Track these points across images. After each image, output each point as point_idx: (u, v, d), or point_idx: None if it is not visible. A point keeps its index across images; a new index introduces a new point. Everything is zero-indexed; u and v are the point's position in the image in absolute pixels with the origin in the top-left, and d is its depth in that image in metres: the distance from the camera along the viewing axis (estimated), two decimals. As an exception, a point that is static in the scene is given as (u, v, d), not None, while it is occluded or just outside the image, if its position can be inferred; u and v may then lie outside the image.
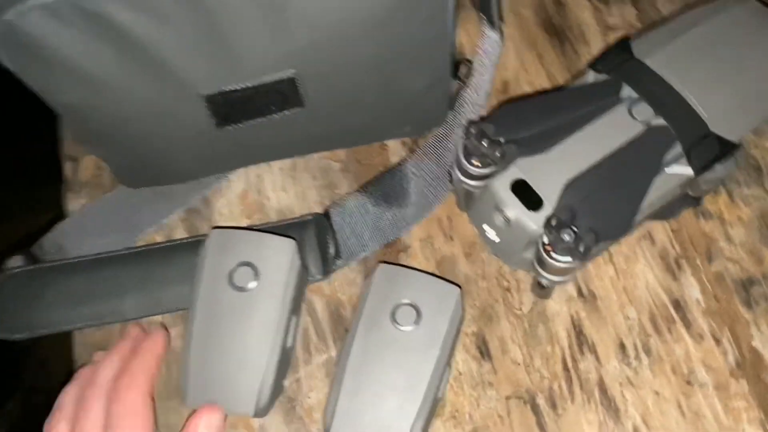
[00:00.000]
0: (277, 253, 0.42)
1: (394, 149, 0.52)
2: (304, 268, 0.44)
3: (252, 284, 0.41)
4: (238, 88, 0.38)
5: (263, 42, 0.36)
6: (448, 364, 0.42)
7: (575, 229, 0.37)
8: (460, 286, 0.43)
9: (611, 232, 0.38)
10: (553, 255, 0.38)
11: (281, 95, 0.39)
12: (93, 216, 0.50)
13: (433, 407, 0.41)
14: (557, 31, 0.55)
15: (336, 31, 0.36)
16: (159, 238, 0.50)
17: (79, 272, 0.47)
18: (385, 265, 0.44)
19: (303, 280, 0.44)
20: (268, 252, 0.42)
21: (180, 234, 0.50)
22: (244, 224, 0.49)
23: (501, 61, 0.53)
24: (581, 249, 0.37)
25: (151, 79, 0.36)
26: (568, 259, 0.38)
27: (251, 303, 0.41)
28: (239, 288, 0.41)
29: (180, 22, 0.34)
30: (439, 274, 0.46)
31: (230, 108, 0.39)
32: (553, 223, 0.38)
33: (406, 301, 0.42)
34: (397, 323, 0.41)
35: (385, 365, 0.40)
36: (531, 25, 0.55)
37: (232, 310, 0.41)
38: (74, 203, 0.51)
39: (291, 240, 0.43)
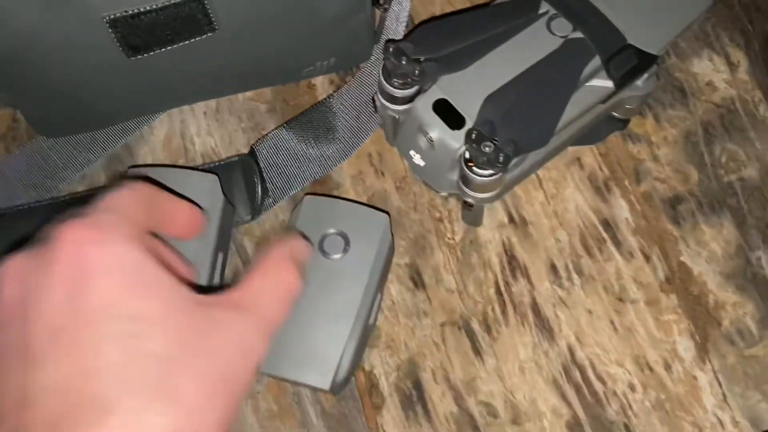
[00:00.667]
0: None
1: (322, 88, 0.51)
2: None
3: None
4: (144, 9, 0.36)
5: (164, -43, 0.35)
6: (379, 291, 0.42)
7: (495, 141, 0.37)
8: (388, 213, 0.42)
9: (531, 142, 0.38)
10: (475, 169, 0.38)
11: (191, 19, 0.38)
12: (10, 170, 0.48)
13: (365, 334, 0.40)
14: (482, -35, 0.54)
15: (242, -54, 0.35)
16: (81, 188, 0.48)
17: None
18: (311, 196, 0.43)
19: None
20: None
21: (102, 182, 0.48)
22: (168, 168, 0.48)
23: (427, -4, 0.53)
24: (501, 159, 0.37)
25: (49, 5, 0.35)
26: (490, 171, 0.38)
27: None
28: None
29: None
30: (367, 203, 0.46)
31: (138, 34, 0.38)
32: (473, 136, 0.37)
33: (333, 230, 0.41)
34: (326, 252, 0.40)
35: (315, 294, 0.39)
36: (456, -40, 0.54)
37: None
38: (-11, 157, 0.49)
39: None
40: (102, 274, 0.25)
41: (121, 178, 0.37)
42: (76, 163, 0.48)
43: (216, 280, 0.42)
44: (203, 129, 0.49)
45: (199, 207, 0.37)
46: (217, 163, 0.48)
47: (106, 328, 0.24)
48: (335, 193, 0.48)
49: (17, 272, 0.26)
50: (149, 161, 0.49)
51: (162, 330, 0.24)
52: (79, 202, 0.46)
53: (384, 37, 0.47)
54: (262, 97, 0.50)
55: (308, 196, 0.43)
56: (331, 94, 0.49)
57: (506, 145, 0.37)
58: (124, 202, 0.28)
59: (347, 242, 0.41)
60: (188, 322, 0.25)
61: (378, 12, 0.47)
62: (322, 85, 0.51)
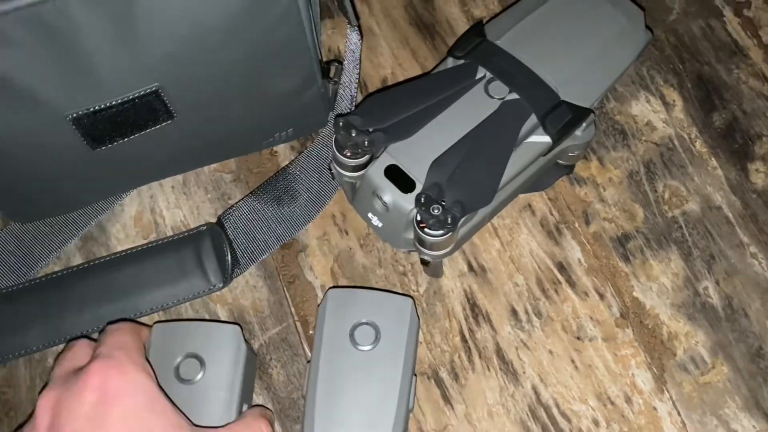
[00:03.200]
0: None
1: (284, 154, 0.53)
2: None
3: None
4: (104, 106, 0.39)
5: (120, 58, 0.37)
6: (413, 374, 0.43)
7: (443, 203, 0.40)
8: (412, 297, 0.44)
9: (476, 201, 0.41)
10: (427, 230, 0.40)
11: (150, 109, 0.40)
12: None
13: (406, 419, 0.41)
14: (428, 27, 0.58)
15: (191, 41, 0.38)
16: (57, 268, 0.50)
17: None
18: (334, 289, 0.44)
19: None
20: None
21: (77, 261, 0.50)
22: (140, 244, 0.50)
23: (378, 59, 0.56)
24: (450, 221, 0.39)
25: (13, 107, 0.37)
26: (441, 232, 0.40)
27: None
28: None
29: (27, 45, 0.34)
30: (337, 275, 0.48)
31: (100, 128, 0.40)
32: (422, 200, 0.40)
33: (362, 320, 0.42)
34: (358, 344, 0.42)
35: (353, 388, 0.41)
36: (403, 24, 0.58)
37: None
38: (-33, 245, 0.51)
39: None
40: (125, 395, 0.35)
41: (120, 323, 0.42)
42: (51, 245, 0.50)
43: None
44: (172, 202, 0.52)
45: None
46: (185, 233, 0.50)
47: None
48: (302, 255, 0.50)
49: (50, 402, 0.35)
50: (122, 238, 0.51)
51: None
52: (55, 283, 0.48)
53: (339, 104, 0.50)
54: (227, 168, 0.53)
55: (331, 290, 0.44)
56: (292, 161, 0.51)
57: (453, 206, 0.40)
58: (126, 339, 0.38)
59: (377, 332, 0.42)
60: None
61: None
62: (284, 151, 0.53)
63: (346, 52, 0.48)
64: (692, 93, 0.55)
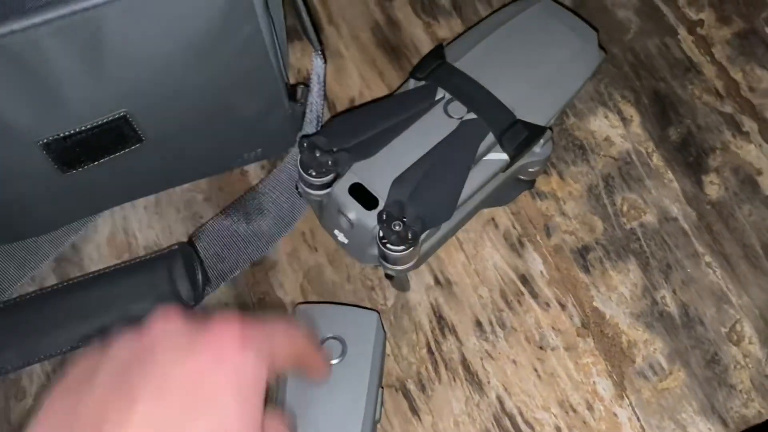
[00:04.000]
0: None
1: (255, 173, 0.55)
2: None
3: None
4: (73, 132, 0.40)
5: (88, 85, 0.38)
6: (380, 386, 0.44)
7: (404, 219, 0.41)
8: (377, 311, 0.46)
9: (436, 217, 0.42)
10: (389, 246, 0.42)
11: (118, 134, 0.42)
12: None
13: (373, 430, 0.43)
14: (394, 48, 0.59)
15: (157, 67, 0.39)
16: (31, 289, 0.50)
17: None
18: (303, 305, 0.46)
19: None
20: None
21: (51, 282, 0.51)
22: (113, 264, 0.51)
23: (346, 81, 0.58)
24: (410, 236, 0.41)
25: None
26: (402, 247, 0.41)
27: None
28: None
29: (-1, 75, 0.36)
30: (307, 291, 0.49)
31: (70, 153, 0.41)
32: (384, 217, 0.41)
33: (328, 335, 0.44)
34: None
35: (321, 401, 0.42)
36: (370, 46, 0.59)
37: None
38: (-59, 268, 0.51)
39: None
40: (229, 382, 0.27)
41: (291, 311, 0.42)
42: (24, 266, 0.51)
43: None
44: (144, 223, 0.53)
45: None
46: (157, 253, 0.51)
47: (198, 419, 0.26)
48: (272, 272, 0.51)
49: (170, 325, 0.28)
50: (95, 258, 0.52)
51: None
52: (28, 304, 0.49)
53: (305, 125, 0.52)
54: (198, 187, 0.54)
55: (300, 305, 0.45)
56: (262, 180, 0.53)
57: (414, 222, 0.41)
58: (279, 337, 0.31)
59: (344, 346, 0.43)
60: None
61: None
62: (254, 171, 0.55)
63: (311, 74, 0.50)
64: (649, 108, 0.57)
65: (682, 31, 0.60)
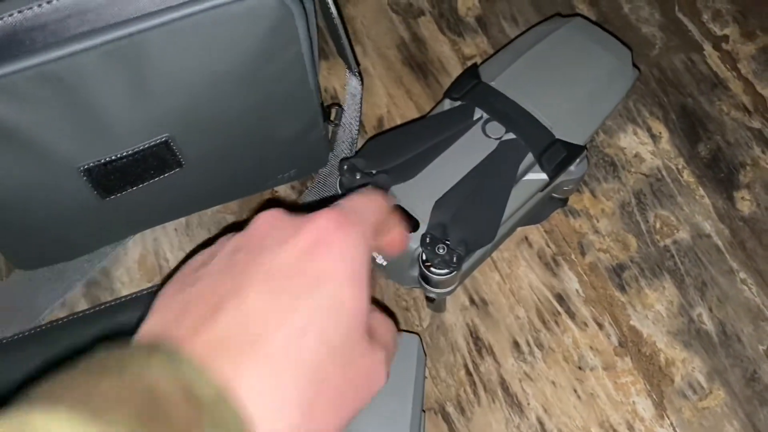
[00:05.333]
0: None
1: (285, 194, 0.54)
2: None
3: None
4: (114, 157, 0.40)
5: (131, 110, 0.38)
6: (422, 409, 0.44)
7: (448, 242, 0.41)
8: (418, 334, 0.45)
9: (480, 240, 0.42)
10: (432, 269, 0.41)
11: (159, 159, 0.41)
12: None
13: None
14: (420, 66, 0.59)
15: (201, 91, 0.39)
16: (62, 314, 0.50)
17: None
18: None
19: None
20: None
21: (82, 307, 0.50)
22: (145, 288, 0.50)
23: (373, 99, 0.57)
24: (455, 260, 0.40)
25: (23, 160, 0.38)
26: (446, 270, 0.41)
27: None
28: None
29: (41, 101, 0.35)
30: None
31: (110, 178, 0.41)
32: (428, 240, 0.41)
33: None
34: None
35: (363, 427, 0.40)
36: (396, 64, 0.59)
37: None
38: (-30, 293, 0.51)
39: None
40: (335, 258, 0.27)
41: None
42: (56, 291, 0.50)
43: None
44: (175, 245, 0.52)
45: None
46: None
47: (309, 298, 0.26)
48: (306, 293, 0.51)
49: (274, 219, 0.28)
50: (126, 282, 0.51)
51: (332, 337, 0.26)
52: (60, 330, 0.48)
53: (338, 145, 0.51)
54: (229, 209, 0.53)
55: None
56: (295, 201, 0.52)
57: (458, 245, 0.41)
58: (367, 208, 0.30)
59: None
60: (351, 354, 0.27)
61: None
62: (284, 191, 0.54)
63: (346, 95, 0.49)
64: (677, 125, 0.57)
65: (708, 47, 0.60)
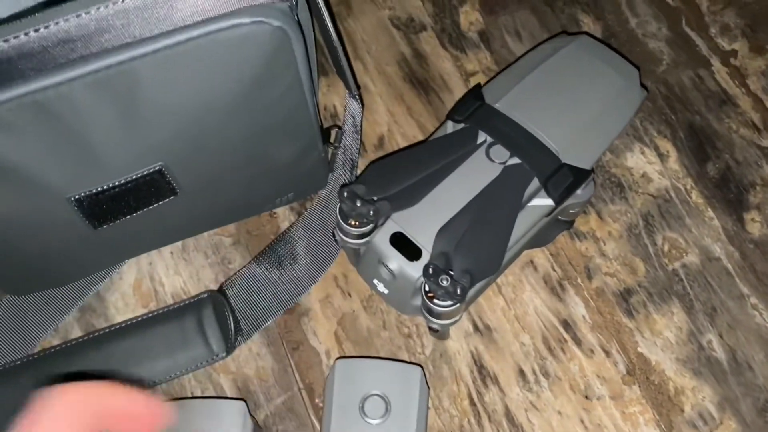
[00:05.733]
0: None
1: (284, 215, 0.53)
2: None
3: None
4: (106, 187, 0.38)
5: (123, 140, 0.37)
6: None
7: (451, 273, 0.40)
8: (420, 366, 0.44)
9: (484, 270, 0.41)
10: (436, 301, 0.40)
11: (153, 187, 0.40)
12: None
13: None
14: (421, 83, 0.58)
15: (195, 120, 0.38)
16: (55, 342, 0.49)
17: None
18: (343, 359, 0.44)
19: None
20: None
21: (76, 334, 0.49)
22: (140, 314, 0.49)
23: (373, 117, 0.56)
24: (459, 292, 0.39)
25: (11, 190, 0.36)
26: (450, 303, 0.40)
27: None
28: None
29: (27, 131, 0.34)
30: (341, 338, 0.48)
31: (102, 208, 0.39)
32: (430, 271, 0.40)
33: (371, 392, 0.42)
34: (368, 417, 0.41)
35: None
36: (397, 81, 0.58)
37: None
38: (-40, 320, 0.49)
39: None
40: None
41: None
42: (49, 318, 0.49)
43: None
44: (171, 269, 0.51)
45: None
46: (187, 301, 0.49)
47: None
48: (305, 318, 0.49)
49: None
50: (121, 307, 0.50)
51: None
52: (53, 358, 0.47)
53: (338, 167, 0.50)
54: (226, 231, 0.52)
55: (339, 360, 0.44)
56: (293, 224, 0.51)
57: (462, 276, 0.40)
58: (67, 407, 0.27)
59: (388, 404, 0.41)
60: None
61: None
62: (282, 213, 0.53)
63: (345, 116, 0.48)
64: (685, 143, 0.55)
65: (716, 62, 0.59)
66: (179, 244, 0.51)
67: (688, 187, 0.54)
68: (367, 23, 0.60)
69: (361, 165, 0.53)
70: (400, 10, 0.61)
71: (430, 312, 0.41)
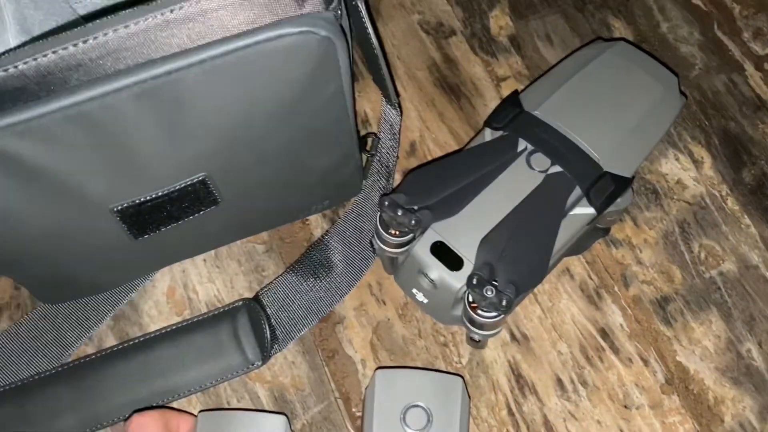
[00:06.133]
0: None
1: (316, 222, 0.52)
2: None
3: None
4: (149, 198, 0.38)
5: (167, 150, 0.36)
6: None
7: (495, 283, 0.39)
8: (461, 376, 0.44)
9: (529, 281, 0.40)
10: (479, 312, 0.40)
11: (195, 197, 0.40)
12: (17, 340, 0.48)
13: None
14: (452, 88, 0.57)
15: (239, 129, 0.37)
16: (90, 350, 0.48)
17: (7, 402, 0.46)
18: (382, 369, 0.44)
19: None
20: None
21: (110, 342, 0.49)
22: (174, 322, 0.48)
23: (405, 123, 0.56)
24: (504, 303, 0.39)
25: (56, 201, 0.36)
26: (494, 314, 0.39)
27: None
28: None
29: (73, 142, 0.34)
30: (377, 347, 0.47)
31: (144, 218, 0.39)
32: (475, 281, 0.39)
33: (413, 403, 0.42)
34: (409, 428, 0.41)
35: None
36: (428, 86, 0.58)
37: None
38: (-6, 328, 0.49)
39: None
40: None
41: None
42: (83, 326, 0.49)
43: None
44: (204, 276, 0.51)
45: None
46: (221, 309, 0.49)
47: None
48: (340, 327, 0.49)
49: None
50: (154, 315, 0.49)
51: None
52: (88, 367, 0.47)
53: (372, 174, 0.50)
54: (259, 238, 0.52)
55: (379, 370, 0.43)
56: (327, 231, 0.51)
57: (506, 287, 0.39)
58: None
59: (429, 414, 0.41)
60: None
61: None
62: (315, 219, 0.53)
63: (382, 124, 0.48)
64: (720, 149, 0.55)
65: (749, 67, 0.58)
66: (212, 251, 0.51)
67: (724, 193, 0.53)
68: (396, 28, 0.60)
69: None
70: (430, 14, 0.61)
71: (473, 323, 0.41)
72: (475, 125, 0.56)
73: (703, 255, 0.51)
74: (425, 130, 0.56)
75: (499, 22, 0.60)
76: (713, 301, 0.49)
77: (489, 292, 0.39)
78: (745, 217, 0.52)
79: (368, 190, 0.51)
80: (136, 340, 0.48)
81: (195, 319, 0.48)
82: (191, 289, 0.50)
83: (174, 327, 0.48)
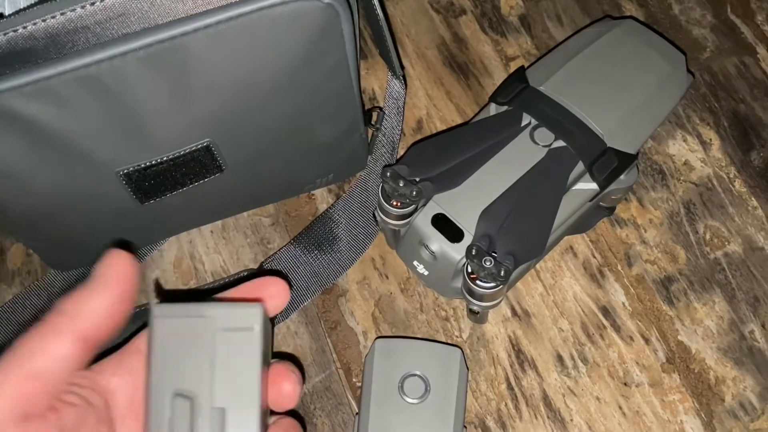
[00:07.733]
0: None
1: (322, 197, 0.53)
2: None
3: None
4: (155, 162, 0.39)
5: (173, 115, 0.37)
6: (464, 425, 0.43)
7: (494, 255, 0.39)
8: (460, 347, 0.44)
9: (528, 253, 0.41)
10: (478, 282, 0.40)
11: (200, 164, 0.40)
12: (27, 307, 0.50)
13: None
14: (461, 66, 0.58)
15: (243, 95, 0.38)
16: (97, 317, 0.49)
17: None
18: (382, 339, 0.44)
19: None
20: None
21: (117, 309, 0.49)
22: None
23: (412, 100, 0.56)
24: (503, 273, 0.39)
25: (63, 164, 0.37)
26: (493, 284, 0.40)
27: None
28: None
29: (81, 104, 0.34)
30: (378, 320, 0.48)
31: (150, 183, 0.40)
32: (474, 252, 0.39)
33: (411, 372, 0.42)
34: (407, 396, 0.41)
35: None
36: (436, 64, 0.58)
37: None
38: (7, 294, 0.50)
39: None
40: None
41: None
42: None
43: None
44: (211, 247, 0.51)
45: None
46: (227, 280, 0.49)
47: None
48: (343, 299, 0.50)
49: None
50: (161, 284, 0.50)
51: None
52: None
53: (377, 149, 0.50)
54: (265, 211, 0.52)
55: (379, 339, 0.44)
56: (332, 205, 0.51)
57: (505, 258, 0.39)
58: None
59: (427, 384, 0.42)
60: None
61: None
62: (321, 194, 0.53)
63: (386, 98, 0.48)
64: (729, 131, 0.54)
65: (762, 50, 0.58)
66: (219, 223, 0.52)
67: (731, 175, 0.53)
68: (406, 7, 0.60)
69: (399, 148, 0.53)
70: (440, -7, 0.61)
71: (472, 293, 0.41)
72: (482, 104, 0.56)
73: (708, 236, 0.51)
74: (432, 108, 0.56)
75: (510, 1, 0.60)
76: (717, 282, 0.49)
77: (488, 263, 0.39)
78: (753, 199, 0.52)
79: (373, 165, 0.51)
80: (144, 307, 0.49)
81: (202, 288, 0.49)
82: (197, 260, 0.51)
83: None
